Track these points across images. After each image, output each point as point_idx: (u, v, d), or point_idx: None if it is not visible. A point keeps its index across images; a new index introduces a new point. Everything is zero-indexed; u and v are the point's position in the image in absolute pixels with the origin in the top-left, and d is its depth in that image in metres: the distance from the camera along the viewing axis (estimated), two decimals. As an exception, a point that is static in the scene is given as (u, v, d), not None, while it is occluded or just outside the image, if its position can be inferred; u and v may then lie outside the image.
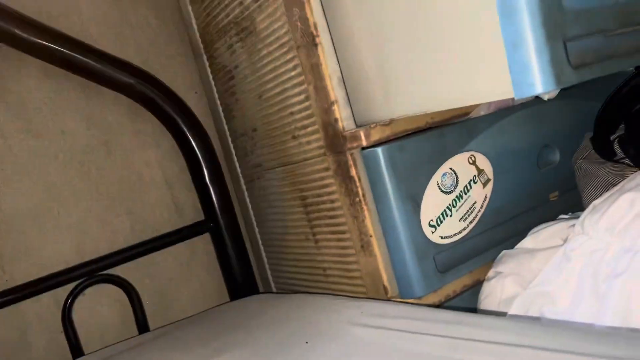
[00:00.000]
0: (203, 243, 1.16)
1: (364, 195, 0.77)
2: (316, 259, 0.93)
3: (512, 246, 0.80)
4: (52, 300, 1.01)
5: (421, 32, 0.65)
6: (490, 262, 0.81)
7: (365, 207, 0.77)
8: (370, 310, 0.72)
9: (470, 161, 0.80)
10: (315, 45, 0.77)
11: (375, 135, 0.75)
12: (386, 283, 0.78)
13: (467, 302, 0.81)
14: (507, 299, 0.72)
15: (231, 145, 1.12)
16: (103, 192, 1.08)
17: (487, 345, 0.54)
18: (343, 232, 0.83)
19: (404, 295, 0.78)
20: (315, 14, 0.76)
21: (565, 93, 0.79)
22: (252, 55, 0.92)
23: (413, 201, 0.75)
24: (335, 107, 0.77)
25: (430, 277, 0.77)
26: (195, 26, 1.09)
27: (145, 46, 1.13)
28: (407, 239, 0.75)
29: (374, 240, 0.77)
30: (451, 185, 0.78)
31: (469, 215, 0.80)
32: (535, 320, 0.66)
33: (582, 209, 0.70)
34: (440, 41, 0.63)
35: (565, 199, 0.92)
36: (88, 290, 1.03)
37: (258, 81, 0.92)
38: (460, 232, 0.80)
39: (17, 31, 0.92)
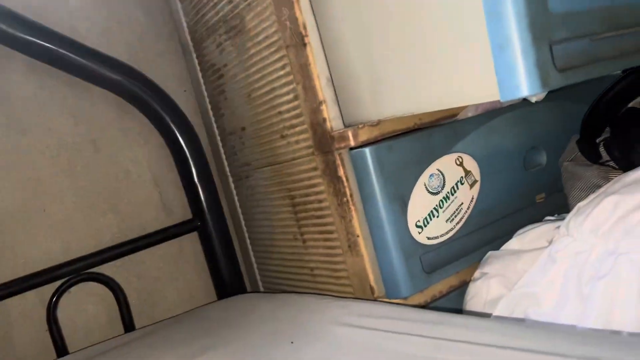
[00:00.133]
0: (190, 242, 1.16)
1: (351, 195, 0.77)
2: (304, 258, 0.93)
3: (498, 247, 0.80)
4: (37, 299, 1.00)
5: (408, 33, 0.65)
6: (477, 263, 0.81)
7: (352, 207, 0.77)
8: (356, 310, 0.72)
9: (458, 162, 0.80)
10: (304, 45, 0.77)
11: (363, 136, 0.75)
12: (373, 283, 0.78)
13: (453, 302, 0.81)
14: (492, 300, 0.72)
15: (220, 144, 1.11)
16: (90, 189, 1.07)
17: (471, 346, 0.55)
18: (330, 232, 0.83)
19: (391, 295, 0.78)
20: (305, 13, 0.76)
21: (552, 95, 0.80)
22: (241, 54, 0.92)
23: (400, 202, 0.75)
24: (323, 107, 0.77)
25: (417, 278, 0.77)
26: (184, 23, 1.09)
27: (134, 43, 1.12)
28: (393, 239, 0.75)
29: (361, 241, 0.77)
30: (438, 186, 0.79)
31: (455, 216, 0.81)
32: (520, 321, 0.67)
33: (569, 211, 0.70)
34: (427, 43, 0.63)
35: (552, 201, 0.92)
36: (74, 289, 1.03)
37: (247, 80, 0.92)
38: (447, 232, 0.80)
39: (2, 26, 0.91)
